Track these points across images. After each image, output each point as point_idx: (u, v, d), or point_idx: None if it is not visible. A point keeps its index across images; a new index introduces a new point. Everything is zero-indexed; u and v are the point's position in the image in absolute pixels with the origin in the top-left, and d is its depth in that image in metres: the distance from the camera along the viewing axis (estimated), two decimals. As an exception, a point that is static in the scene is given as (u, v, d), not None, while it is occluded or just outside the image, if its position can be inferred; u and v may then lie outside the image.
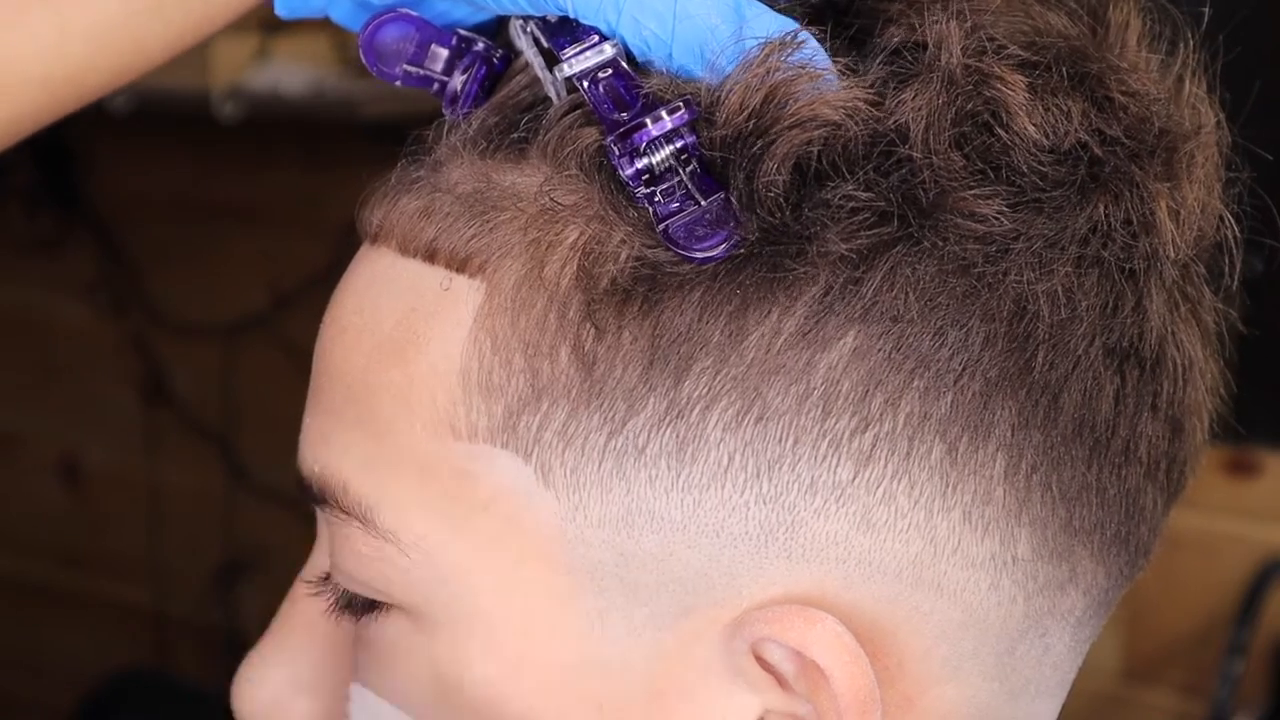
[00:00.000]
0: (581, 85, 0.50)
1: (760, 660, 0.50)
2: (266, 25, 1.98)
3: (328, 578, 0.55)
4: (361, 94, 1.85)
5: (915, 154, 0.49)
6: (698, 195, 0.48)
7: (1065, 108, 0.50)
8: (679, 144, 0.49)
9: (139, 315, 2.35)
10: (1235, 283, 0.56)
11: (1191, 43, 0.55)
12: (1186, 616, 1.71)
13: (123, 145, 2.28)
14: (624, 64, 0.50)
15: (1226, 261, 0.55)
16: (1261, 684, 1.65)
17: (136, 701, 2.24)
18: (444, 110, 0.54)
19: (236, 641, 2.25)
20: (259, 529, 2.24)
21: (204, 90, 1.95)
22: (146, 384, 2.38)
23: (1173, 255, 0.52)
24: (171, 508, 2.39)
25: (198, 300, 2.29)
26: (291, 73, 1.94)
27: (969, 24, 0.50)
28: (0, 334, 2.52)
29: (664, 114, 0.49)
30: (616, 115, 0.49)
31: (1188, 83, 0.54)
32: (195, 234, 2.29)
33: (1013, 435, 0.50)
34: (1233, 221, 0.55)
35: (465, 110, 0.53)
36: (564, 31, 0.51)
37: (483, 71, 0.54)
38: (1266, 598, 1.61)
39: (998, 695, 0.52)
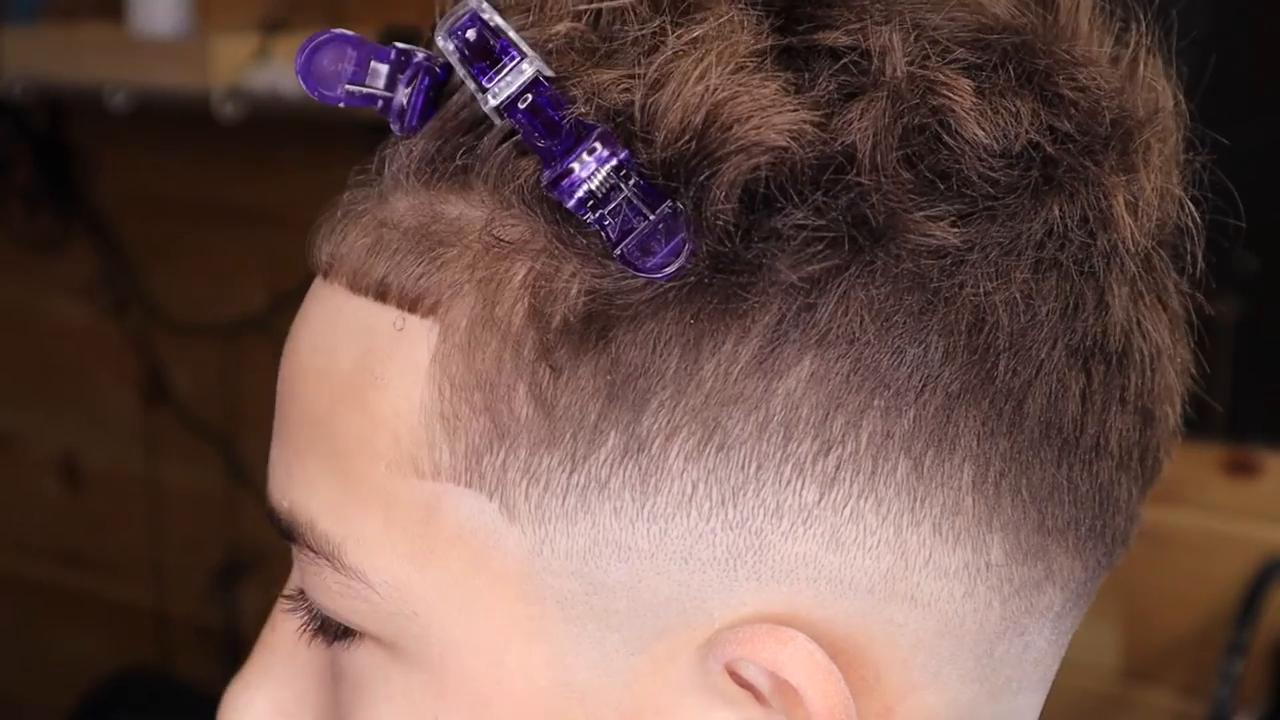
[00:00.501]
0: (507, 115, 0.49)
1: (736, 677, 0.50)
2: (266, 25, 1.98)
3: (303, 593, 0.55)
4: (361, 94, 1.85)
5: (864, 179, 0.48)
6: (644, 209, 0.48)
7: (1014, 108, 0.50)
8: (614, 163, 0.48)
9: (139, 315, 2.35)
10: (1199, 266, 0.55)
11: (1145, 20, 0.54)
12: (1186, 616, 1.71)
13: (123, 145, 2.28)
14: (545, 81, 0.49)
15: (1189, 246, 0.55)
16: (1261, 684, 1.65)
17: (136, 701, 2.24)
18: (391, 126, 0.53)
19: (236, 641, 2.25)
20: (259, 529, 2.23)
21: (204, 90, 1.95)
22: (146, 384, 2.38)
23: (1132, 248, 0.52)
24: (171, 508, 2.39)
25: (198, 300, 2.29)
26: (291, 73, 1.94)
27: (910, 26, 0.50)
28: (0, 334, 2.52)
29: (585, 155, 0.48)
30: (545, 144, 0.49)
31: (1142, 63, 0.54)
32: (195, 234, 2.29)
33: (979, 445, 0.50)
34: (1192, 206, 0.54)
35: (413, 124, 0.53)
36: (483, 54, 0.50)
37: (426, 82, 0.53)
38: (1266, 598, 1.61)
39: (978, 696, 0.52)
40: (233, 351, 2.25)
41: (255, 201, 2.22)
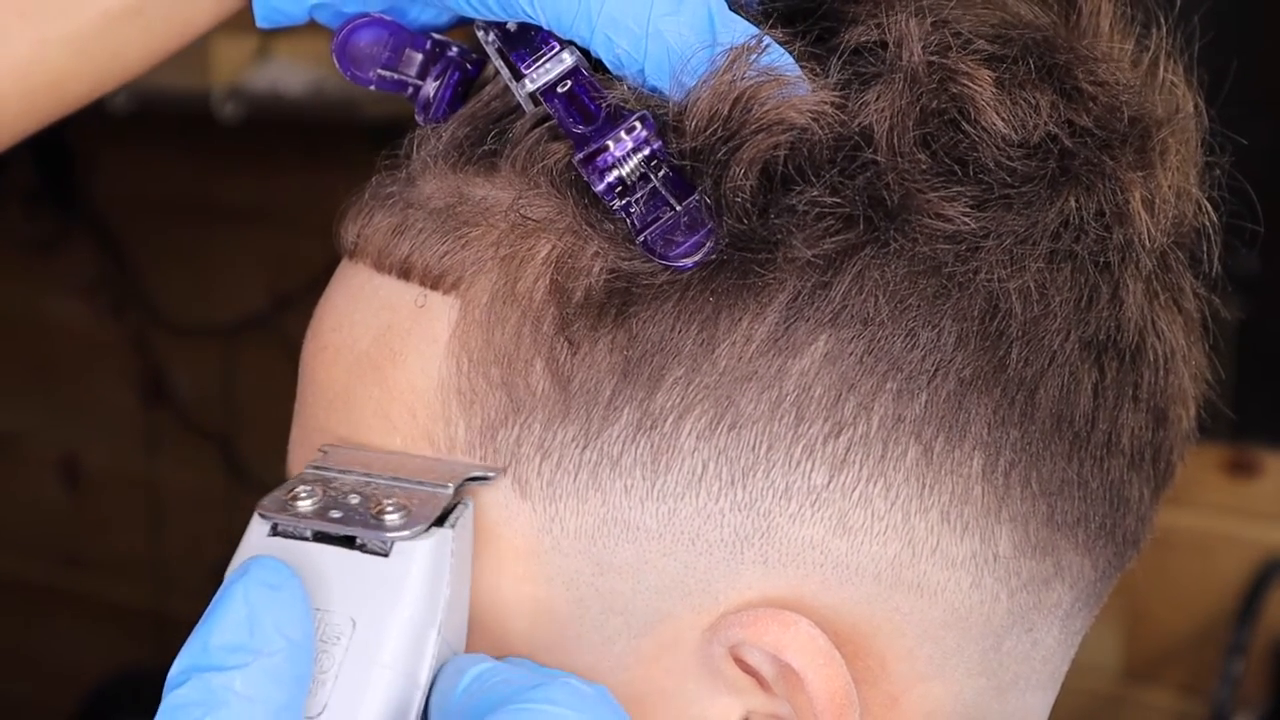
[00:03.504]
0: (544, 100, 0.50)
1: (740, 662, 0.50)
2: (266, 25, 1.98)
3: None
4: (362, 94, 1.85)
5: (879, 158, 0.49)
6: (672, 200, 0.48)
7: (1033, 100, 0.50)
8: (647, 151, 0.49)
9: (139, 315, 2.35)
10: (1214, 268, 0.55)
11: (1165, 25, 0.55)
12: (1186, 616, 1.71)
13: (123, 145, 2.28)
14: (585, 71, 0.50)
15: (1205, 247, 0.55)
16: (1261, 684, 1.65)
17: (136, 701, 2.24)
18: (417, 115, 0.54)
19: (236, 641, 2.25)
20: (259, 529, 2.24)
21: (204, 90, 1.95)
22: (146, 384, 2.38)
23: (1148, 245, 0.52)
24: (171, 508, 2.39)
25: (198, 300, 2.29)
26: (291, 73, 1.94)
27: (932, 21, 0.50)
28: (0, 334, 2.52)
29: (623, 134, 0.49)
30: (581, 129, 0.49)
31: (1162, 66, 0.54)
32: (195, 234, 2.30)
33: (989, 433, 0.50)
34: (1210, 208, 0.55)
35: (438, 115, 0.54)
36: (523, 42, 0.51)
37: (455, 77, 0.54)
38: (1266, 598, 1.61)
39: (985, 691, 0.52)
40: (233, 351, 2.25)
41: (255, 201, 2.22)
